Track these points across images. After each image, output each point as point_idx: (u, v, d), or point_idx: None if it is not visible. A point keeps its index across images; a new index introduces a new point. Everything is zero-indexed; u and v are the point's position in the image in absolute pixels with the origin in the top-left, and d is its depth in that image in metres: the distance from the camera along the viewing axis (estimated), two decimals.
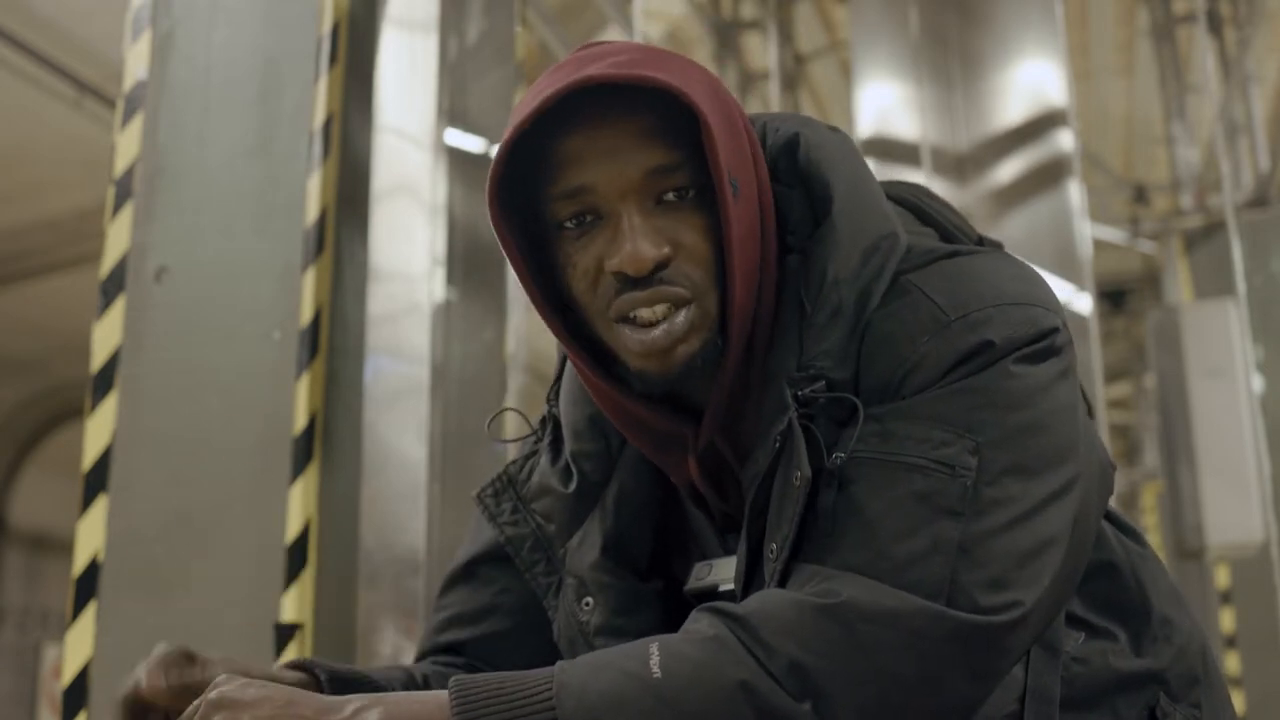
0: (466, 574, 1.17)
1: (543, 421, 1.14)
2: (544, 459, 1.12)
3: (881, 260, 0.95)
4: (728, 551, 1.06)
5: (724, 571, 1.04)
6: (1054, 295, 0.97)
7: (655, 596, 1.07)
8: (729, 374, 0.96)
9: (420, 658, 1.18)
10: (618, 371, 0.99)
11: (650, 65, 0.91)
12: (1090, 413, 1.02)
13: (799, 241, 0.98)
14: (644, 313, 0.93)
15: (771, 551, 0.92)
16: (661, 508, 1.09)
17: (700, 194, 0.93)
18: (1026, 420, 0.89)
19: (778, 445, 0.92)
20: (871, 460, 0.88)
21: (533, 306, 1.00)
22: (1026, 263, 1.01)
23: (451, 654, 1.16)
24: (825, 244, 0.96)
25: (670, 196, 0.93)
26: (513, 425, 1.18)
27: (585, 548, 1.06)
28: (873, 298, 0.94)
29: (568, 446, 1.09)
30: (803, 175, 0.99)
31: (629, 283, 0.92)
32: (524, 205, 0.97)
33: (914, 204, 1.08)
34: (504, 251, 0.97)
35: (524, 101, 0.94)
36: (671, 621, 1.04)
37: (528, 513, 1.11)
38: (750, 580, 0.96)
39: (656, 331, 0.93)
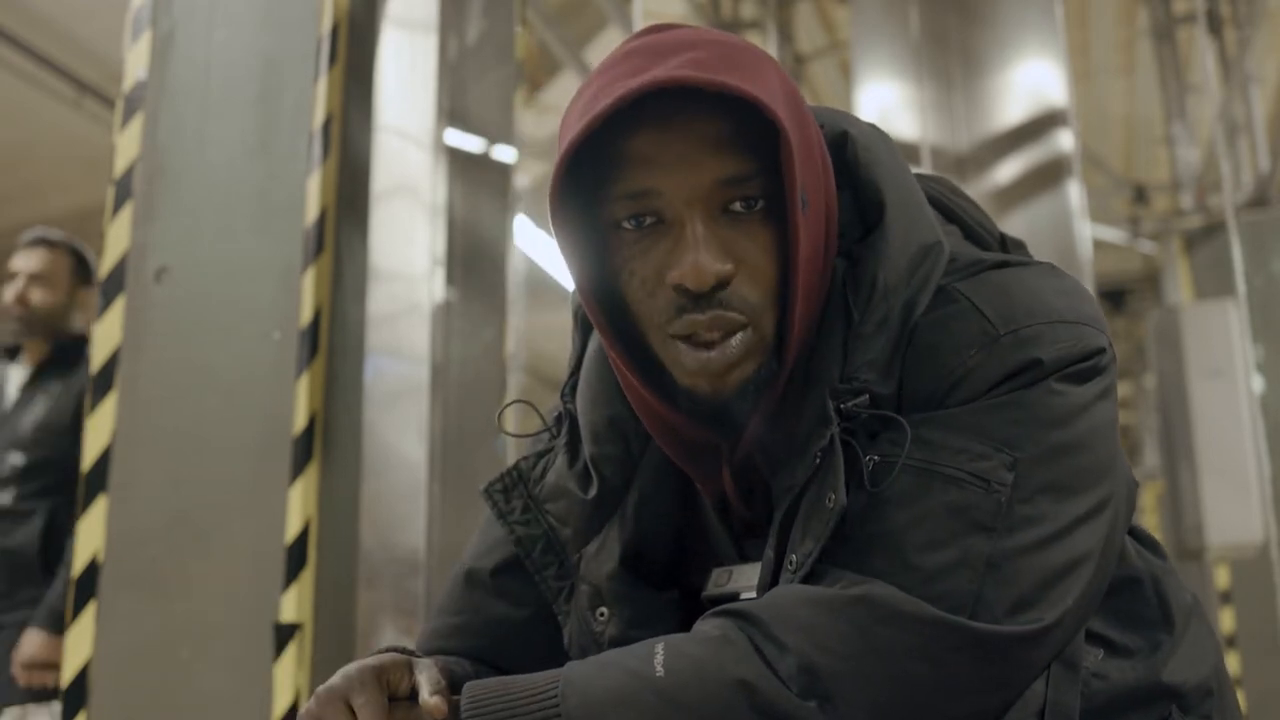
0: (480, 580, 1.11)
1: (558, 419, 1.10)
2: (560, 459, 1.07)
3: (929, 270, 0.94)
4: (744, 558, 1.04)
5: (744, 579, 1.03)
6: (1100, 311, 0.96)
7: (672, 606, 1.05)
8: (777, 393, 0.94)
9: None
10: (663, 380, 0.95)
11: (729, 68, 0.87)
12: None
13: (846, 245, 0.95)
14: (703, 333, 0.90)
15: (791, 563, 0.91)
16: (681, 514, 1.07)
17: (769, 206, 0.90)
18: (1066, 439, 0.88)
19: (817, 462, 0.90)
20: (907, 468, 0.87)
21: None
22: (1073, 276, 0.99)
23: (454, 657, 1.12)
24: (876, 251, 0.93)
25: (738, 206, 0.89)
26: (523, 419, 1.15)
27: (603, 557, 1.03)
28: (918, 308, 0.92)
29: (586, 449, 1.05)
30: (852, 177, 0.97)
31: (689, 297, 0.89)
32: (578, 199, 0.93)
33: (939, 200, 1.06)
34: (560, 250, 0.93)
35: (590, 93, 0.89)
36: (686, 627, 1.02)
37: (540, 513, 1.07)
38: (769, 588, 0.94)
39: (713, 353, 0.90)
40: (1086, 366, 0.90)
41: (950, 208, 1.06)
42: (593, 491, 1.04)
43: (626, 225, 0.91)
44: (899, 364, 0.91)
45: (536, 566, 1.06)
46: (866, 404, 0.89)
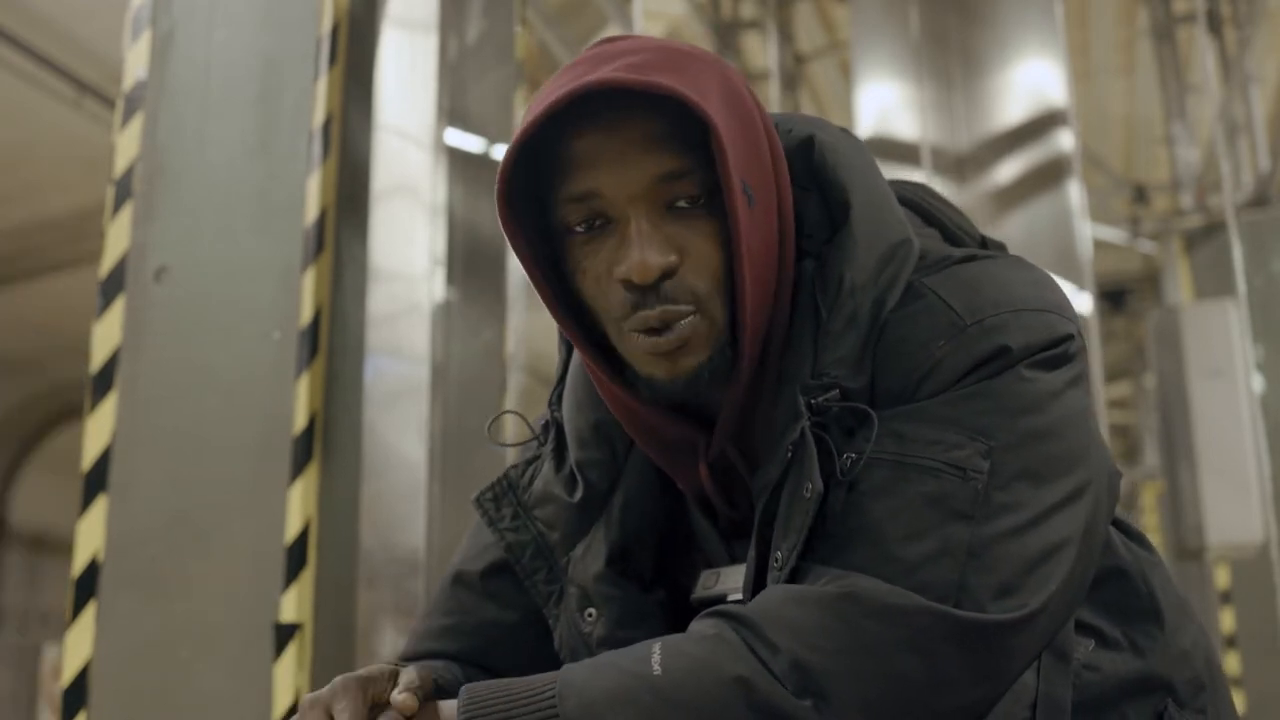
0: (470, 583, 1.13)
1: (545, 426, 1.12)
2: (547, 465, 1.10)
3: (897, 268, 0.95)
4: (733, 559, 1.05)
5: (731, 580, 1.04)
6: (1069, 301, 0.97)
7: (659, 608, 1.06)
8: (741, 384, 0.95)
9: (405, 659, 1.14)
10: (628, 376, 0.97)
11: (664, 69, 0.89)
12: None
13: (815, 246, 0.97)
14: (655, 325, 0.92)
15: (776, 560, 0.92)
16: (667, 516, 1.08)
17: (712, 200, 0.92)
18: (1038, 426, 0.88)
19: (790, 455, 0.91)
20: (883, 461, 0.88)
21: (545, 308, 0.98)
22: (1041, 268, 1.00)
23: (444, 660, 1.12)
24: (843, 250, 0.95)
25: (681, 203, 0.91)
26: (513, 428, 1.16)
27: (590, 558, 1.05)
28: (887, 305, 0.93)
29: (572, 454, 1.08)
30: (819, 179, 0.98)
31: (636, 291, 0.91)
32: (537, 204, 0.96)
33: (918, 204, 1.07)
34: (514, 251, 0.96)
35: (536, 100, 0.92)
36: (675, 628, 1.03)
37: (529, 519, 1.09)
38: (759, 589, 0.95)
39: (664, 336, 0.92)
40: (1055, 354, 0.91)
41: (929, 211, 1.07)
42: (578, 495, 1.06)
43: (578, 229, 0.93)
44: (869, 360, 0.92)
45: (526, 571, 1.08)
46: (837, 398, 0.91)
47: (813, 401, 0.91)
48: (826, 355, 0.92)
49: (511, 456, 1.18)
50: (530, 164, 0.94)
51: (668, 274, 0.90)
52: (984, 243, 1.09)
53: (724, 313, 0.93)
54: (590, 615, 1.04)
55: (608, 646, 1.02)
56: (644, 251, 0.90)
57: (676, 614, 1.06)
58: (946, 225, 1.07)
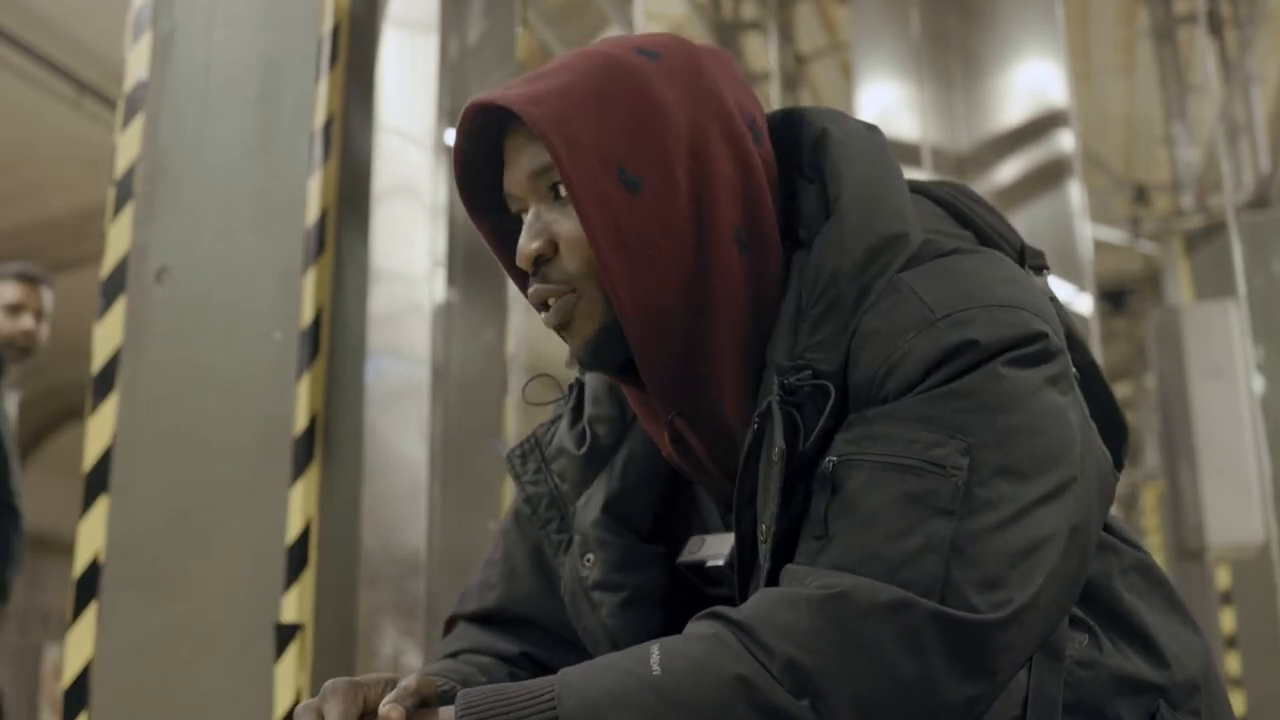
0: (526, 517, 1.19)
1: (571, 387, 1.19)
2: (564, 422, 1.17)
3: (888, 260, 0.96)
4: (729, 527, 1.08)
5: (715, 547, 1.08)
6: (1045, 304, 0.98)
7: (657, 558, 1.10)
8: (646, 360, 0.98)
9: (459, 618, 1.20)
10: None
11: (534, 80, 0.98)
12: (1121, 417, 1.06)
13: (810, 236, 0.99)
14: (535, 303, 1.01)
15: (761, 532, 0.94)
16: (671, 478, 1.12)
17: None
18: (1016, 423, 0.89)
19: (756, 427, 0.94)
20: (863, 463, 0.89)
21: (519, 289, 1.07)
22: (1019, 268, 1.01)
23: (499, 625, 1.17)
24: (827, 239, 0.96)
25: (562, 194, 0.98)
26: (545, 393, 1.22)
27: (590, 506, 1.11)
28: (871, 294, 0.95)
29: (587, 411, 1.15)
30: (820, 171, 1.01)
31: (530, 275, 1.00)
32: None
33: (954, 205, 1.08)
34: (488, 245, 1.07)
35: None
36: (672, 584, 1.09)
37: (548, 471, 1.16)
38: (744, 562, 0.99)
39: (549, 313, 1.00)
40: (1031, 351, 0.92)
41: (965, 213, 1.08)
42: (584, 448, 1.13)
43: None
44: (845, 347, 0.94)
45: (541, 521, 1.15)
46: (809, 378, 0.93)
47: (786, 381, 0.93)
48: (804, 340, 0.95)
49: (513, 426, 1.24)
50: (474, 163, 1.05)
51: (542, 259, 0.99)
52: (1023, 250, 1.10)
53: (600, 291, 0.98)
54: (589, 561, 1.09)
55: (603, 589, 1.08)
56: (523, 239, 0.99)
57: (674, 574, 1.10)
58: (983, 229, 1.08)
